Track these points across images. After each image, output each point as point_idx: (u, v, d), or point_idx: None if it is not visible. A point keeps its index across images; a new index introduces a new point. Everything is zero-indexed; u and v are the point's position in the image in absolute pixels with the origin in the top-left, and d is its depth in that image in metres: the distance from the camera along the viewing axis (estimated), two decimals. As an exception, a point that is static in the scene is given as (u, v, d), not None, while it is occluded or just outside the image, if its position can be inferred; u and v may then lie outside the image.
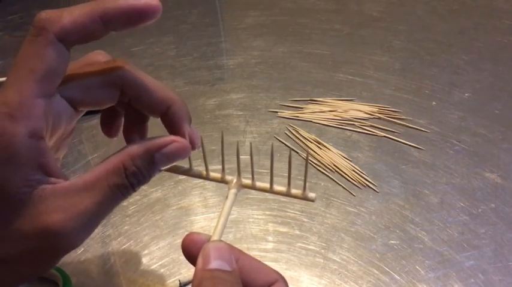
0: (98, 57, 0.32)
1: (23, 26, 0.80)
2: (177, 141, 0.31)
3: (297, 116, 0.59)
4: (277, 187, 0.32)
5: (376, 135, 0.56)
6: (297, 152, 0.54)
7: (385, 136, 0.56)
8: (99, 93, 0.31)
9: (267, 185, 0.32)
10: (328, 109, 0.60)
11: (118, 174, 0.28)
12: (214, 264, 0.26)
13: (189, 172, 0.33)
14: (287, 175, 0.31)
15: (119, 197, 0.29)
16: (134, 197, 0.49)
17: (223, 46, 0.75)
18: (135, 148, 0.29)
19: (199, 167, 0.33)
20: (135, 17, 0.28)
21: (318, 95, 0.63)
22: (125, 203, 0.48)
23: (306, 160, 0.29)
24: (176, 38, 0.76)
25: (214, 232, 0.29)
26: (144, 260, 0.43)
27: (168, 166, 0.31)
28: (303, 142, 0.55)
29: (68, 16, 0.28)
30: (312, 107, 0.61)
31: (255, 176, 0.32)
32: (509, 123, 0.58)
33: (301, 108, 0.60)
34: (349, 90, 0.64)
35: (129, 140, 0.34)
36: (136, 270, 0.42)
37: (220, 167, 0.33)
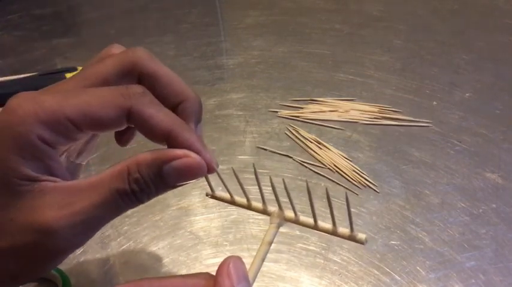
0: (112, 50, 0.32)
1: (22, 25, 0.80)
2: (189, 157, 0.28)
3: (297, 116, 0.59)
4: (322, 224, 0.29)
5: (376, 135, 0.56)
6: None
7: (385, 136, 0.56)
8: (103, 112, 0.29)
9: (311, 220, 0.30)
10: (329, 109, 0.60)
11: (121, 178, 0.27)
12: (242, 285, 0.25)
13: (232, 201, 0.32)
14: (311, 207, 0.29)
15: (119, 202, 0.27)
16: (134, 198, 0.49)
17: (223, 46, 0.75)
18: (145, 155, 0.28)
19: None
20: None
21: (318, 95, 0.62)
22: (124, 203, 0.48)
23: (346, 199, 0.27)
24: (176, 37, 0.76)
25: (249, 270, 0.27)
26: (144, 260, 0.43)
27: (183, 184, 0.29)
28: (303, 142, 0.55)
29: (153, 109, 0.29)
30: (312, 107, 0.61)
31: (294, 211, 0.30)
32: (510, 123, 0.57)
33: (302, 108, 0.60)
34: (350, 90, 0.63)
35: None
36: (136, 271, 0.42)
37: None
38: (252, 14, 0.82)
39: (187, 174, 0.28)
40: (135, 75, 0.31)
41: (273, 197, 0.30)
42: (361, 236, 0.28)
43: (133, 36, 0.76)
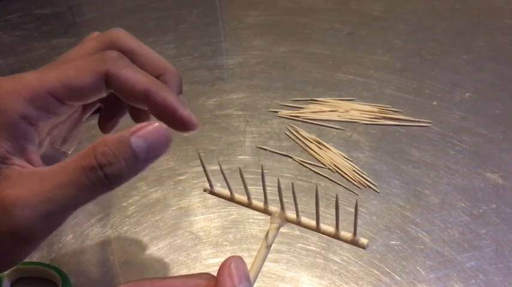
0: (93, 36, 0.33)
1: (22, 25, 0.80)
2: (154, 124, 0.27)
3: (297, 116, 0.59)
4: (324, 227, 0.29)
5: (376, 135, 0.56)
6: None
7: (385, 136, 0.56)
8: (81, 83, 0.29)
9: (313, 223, 0.30)
10: (329, 109, 0.60)
11: (87, 155, 0.26)
12: (243, 285, 0.25)
13: (231, 198, 0.32)
14: (315, 209, 0.29)
15: (85, 181, 0.26)
16: (134, 198, 0.49)
17: (223, 46, 0.75)
18: (111, 135, 0.27)
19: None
20: (169, 117, 0.30)
21: (318, 95, 0.62)
22: (124, 203, 0.48)
23: (356, 205, 0.27)
24: (176, 37, 0.76)
25: (250, 270, 0.27)
26: (144, 260, 0.43)
27: (154, 156, 0.27)
28: (303, 142, 0.55)
29: (128, 70, 0.30)
30: (312, 107, 0.60)
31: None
32: (511, 123, 0.57)
33: (302, 108, 0.60)
34: (350, 90, 0.63)
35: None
36: (136, 271, 0.42)
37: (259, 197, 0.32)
38: (252, 13, 0.82)
39: (155, 141, 0.27)
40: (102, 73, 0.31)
41: (273, 197, 0.30)
42: (363, 241, 0.28)
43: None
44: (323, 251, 0.43)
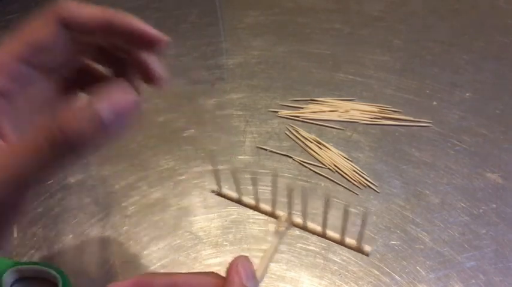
0: None
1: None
2: (118, 86, 0.27)
3: (297, 116, 0.59)
4: (330, 233, 0.30)
5: (376, 135, 0.56)
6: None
7: (385, 136, 0.56)
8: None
9: (319, 228, 0.30)
10: (329, 109, 0.60)
11: (47, 123, 0.25)
12: (251, 284, 0.26)
13: (239, 200, 0.32)
14: (323, 217, 0.29)
15: (43, 144, 0.24)
16: (134, 198, 0.49)
17: (223, 46, 0.75)
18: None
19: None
20: (139, 41, 0.29)
21: (318, 95, 0.62)
22: (124, 203, 0.48)
23: (364, 216, 0.28)
24: (176, 37, 0.76)
25: (256, 270, 0.28)
26: (144, 260, 0.43)
27: (122, 122, 0.26)
28: (303, 142, 0.55)
29: (79, 8, 0.28)
30: (312, 107, 0.60)
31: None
32: (510, 123, 0.57)
33: (302, 108, 0.60)
34: (350, 90, 0.63)
35: None
36: (136, 271, 0.42)
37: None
38: (252, 14, 0.82)
39: (119, 98, 0.26)
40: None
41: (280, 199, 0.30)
42: (367, 248, 0.29)
43: (133, 36, 0.76)
44: (323, 251, 0.43)
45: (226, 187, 0.32)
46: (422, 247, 0.44)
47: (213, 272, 0.27)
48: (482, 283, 0.41)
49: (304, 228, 0.30)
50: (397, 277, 0.41)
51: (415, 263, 0.42)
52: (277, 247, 0.29)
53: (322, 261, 0.43)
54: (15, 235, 0.45)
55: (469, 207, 0.48)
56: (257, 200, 0.31)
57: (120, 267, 0.42)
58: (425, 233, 0.45)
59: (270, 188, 0.29)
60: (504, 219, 0.46)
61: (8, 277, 0.41)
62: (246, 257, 0.27)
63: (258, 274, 0.28)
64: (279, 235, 0.30)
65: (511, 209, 0.47)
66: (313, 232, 0.30)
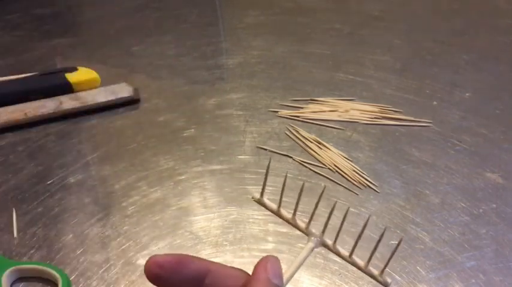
0: None
1: (22, 25, 0.80)
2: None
3: (297, 116, 0.59)
4: (356, 259, 0.31)
5: (376, 135, 0.56)
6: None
7: (385, 136, 0.56)
8: None
9: (346, 253, 0.31)
10: (329, 109, 0.60)
11: None
12: (276, 281, 0.26)
13: (277, 212, 0.32)
14: (353, 245, 0.30)
15: None
16: (134, 198, 0.49)
17: (223, 46, 0.75)
18: None
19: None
20: None
21: (318, 95, 0.62)
22: (124, 203, 0.48)
23: (397, 245, 0.28)
24: (176, 37, 0.76)
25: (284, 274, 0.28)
26: (144, 260, 0.43)
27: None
28: (303, 142, 0.55)
29: None
30: (312, 106, 0.60)
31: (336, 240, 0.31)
32: (510, 123, 0.57)
33: (302, 108, 0.60)
34: (350, 90, 0.63)
35: None
36: (136, 271, 0.42)
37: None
38: (252, 13, 0.82)
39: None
40: None
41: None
42: (387, 280, 0.30)
43: (133, 36, 0.76)
44: (323, 251, 0.43)
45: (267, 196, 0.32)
46: (422, 246, 0.44)
47: (241, 269, 0.28)
48: (482, 283, 0.41)
49: (332, 250, 0.31)
50: (397, 276, 0.41)
51: (415, 263, 0.42)
52: (303, 262, 0.30)
53: (322, 261, 0.43)
54: (15, 235, 0.45)
55: (469, 207, 0.47)
56: (294, 213, 0.32)
57: (120, 267, 0.42)
58: (425, 233, 0.45)
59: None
60: (504, 219, 0.46)
61: (8, 277, 0.41)
62: (276, 257, 0.28)
63: (285, 277, 0.28)
64: (307, 251, 0.30)
65: (511, 209, 0.47)
66: (340, 256, 0.31)
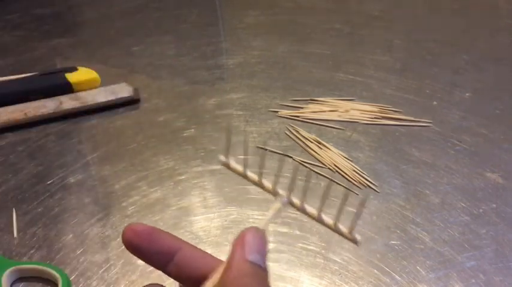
0: None
1: (22, 25, 0.80)
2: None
3: (297, 116, 0.59)
4: (325, 218, 0.30)
5: (376, 135, 0.56)
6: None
7: (385, 136, 0.56)
8: None
9: (315, 212, 0.31)
10: (329, 109, 0.60)
11: None
12: (253, 257, 0.24)
13: (244, 175, 0.32)
14: (321, 200, 0.30)
15: None
16: (134, 198, 0.49)
17: (223, 46, 0.75)
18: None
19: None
20: None
21: (318, 95, 0.62)
22: (124, 203, 0.48)
23: (362, 202, 0.28)
24: (176, 37, 0.76)
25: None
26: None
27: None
28: (303, 142, 0.55)
29: None
30: (312, 106, 0.60)
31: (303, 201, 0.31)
32: (510, 123, 0.57)
33: (302, 108, 0.60)
34: (350, 90, 0.63)
35: None
36: (136, 270, 0.42)
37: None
38: (252, 13, 0.82)
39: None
40: None
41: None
42: (357, 237, 0.29)
43: (133, 36, 0.76)
44: (323, 251, 0.43)
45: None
46: (422, 246, 0.44)
47: (215, 257, 0.28)
48: (482, 283, 0.41)
49: (300, 209, 0.31)
50: (397, 276, 0.41)
51: (415, 263, 0.42)
52: (270, 221, 0.29)
53: (322, 261, 0.43)
54: (15, 235, 0.45)
55: (469, 207, 0.47)
56: (261, 175, 0.32)
57: (120, 267, 0.42)
58: (425, 233, 0.45)
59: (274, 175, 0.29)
60: (504, 219, 0.46)
61: (8, 277, 0.41)
62: (255, 228, 0.25)
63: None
64: (274, 211, 0.30)
65: (511, 209, 0.47)
66: (309, 215, 0.31)
